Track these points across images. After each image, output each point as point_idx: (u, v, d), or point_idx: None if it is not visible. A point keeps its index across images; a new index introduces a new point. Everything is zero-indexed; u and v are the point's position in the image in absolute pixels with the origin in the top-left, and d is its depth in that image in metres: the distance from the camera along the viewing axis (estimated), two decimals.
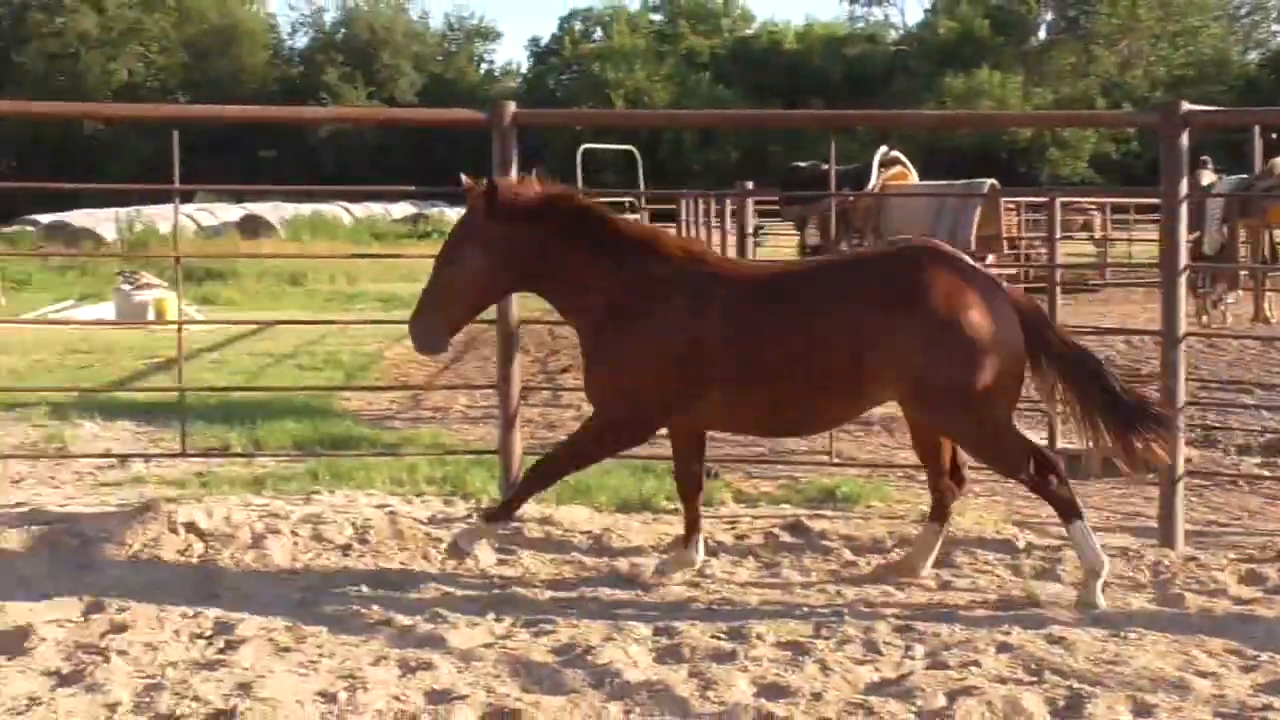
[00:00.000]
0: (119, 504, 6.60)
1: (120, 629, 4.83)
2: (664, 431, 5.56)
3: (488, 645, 4.71)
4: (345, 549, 5.89)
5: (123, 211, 34.83)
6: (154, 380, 11.77)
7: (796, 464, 7.81)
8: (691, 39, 61.15)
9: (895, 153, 17.08)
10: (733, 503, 7.00)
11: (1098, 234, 24.74)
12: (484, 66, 67.84)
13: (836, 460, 7.60)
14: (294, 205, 42.16)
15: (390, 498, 6.89)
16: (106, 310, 18.21)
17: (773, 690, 4.25)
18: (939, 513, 5.55)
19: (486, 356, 12.58)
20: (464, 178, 5.49)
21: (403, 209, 46.55)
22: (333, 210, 43.10)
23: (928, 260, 5.17)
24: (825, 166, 11.30)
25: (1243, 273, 16.03)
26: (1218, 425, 9.15)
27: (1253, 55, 61.91)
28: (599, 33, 63.01)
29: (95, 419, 9.33)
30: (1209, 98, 42.68)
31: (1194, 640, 4.74)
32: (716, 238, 14.48)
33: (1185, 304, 6.41)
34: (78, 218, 36.58)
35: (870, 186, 15.71)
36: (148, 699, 4.15)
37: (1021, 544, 6.01)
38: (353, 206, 45.01)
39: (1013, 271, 16.86)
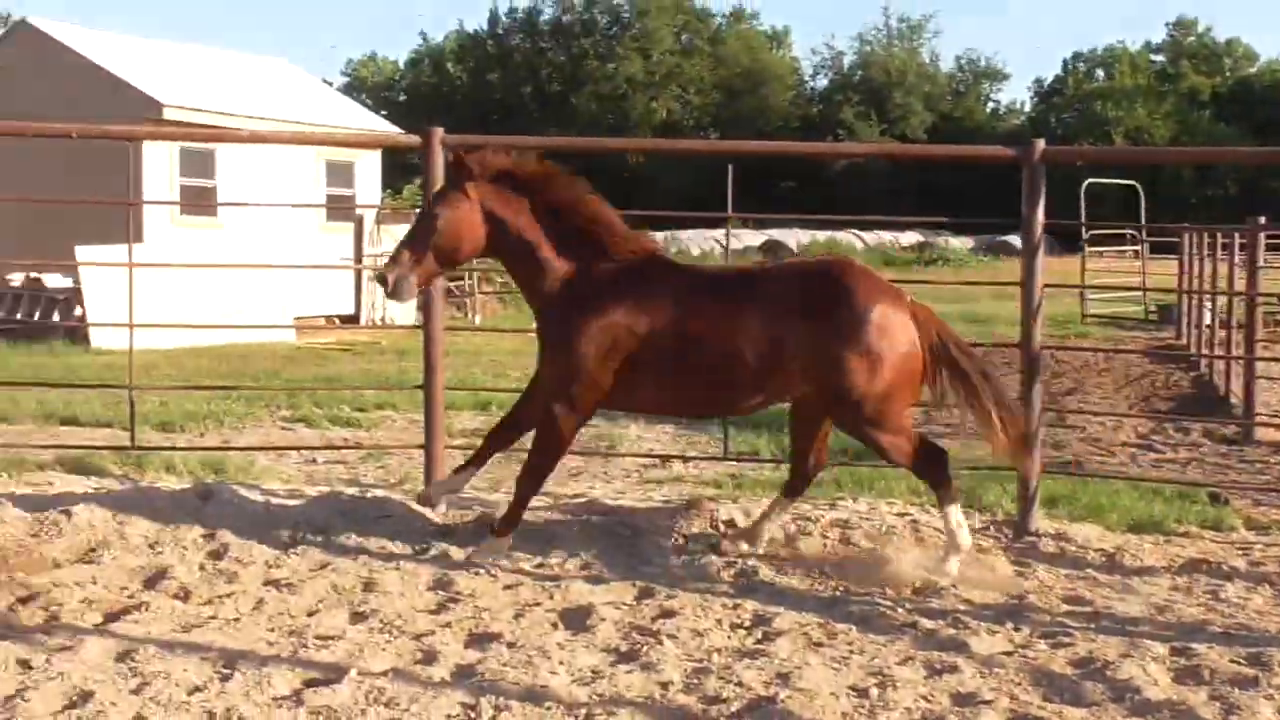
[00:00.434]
0: (663, 500, 7.15)
1: (669, 615, 5.21)
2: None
3: (1008, 653, 4.79)
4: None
5: (659, 235, 37.48)
6: None
7: None
8: (1194, 78, 61.60)
9: None
10: (1244, 529, 6.94)
11: None
12: (989, 105, 68.39)
13: None
14: (810, 232, 43.70)
15: (910, 507, 7.03)
16: None
17: None
18: (796, 489, 6.10)
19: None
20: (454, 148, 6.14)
21: (910, 237, 47.41)
22: (846, 238, 44.91)
23: (841, 273, 5.70)
24: None
25: None
26: None
27: None
28: (1099, 73, 64.19)
29: (639, 421, 10.08)
30: None
31: None
32: (1223, 269, 13.66)
33: None
34: None
35: None
36: (696, 680, 4.48)
37: None
38: (864, 235, 46.43)
39: None
